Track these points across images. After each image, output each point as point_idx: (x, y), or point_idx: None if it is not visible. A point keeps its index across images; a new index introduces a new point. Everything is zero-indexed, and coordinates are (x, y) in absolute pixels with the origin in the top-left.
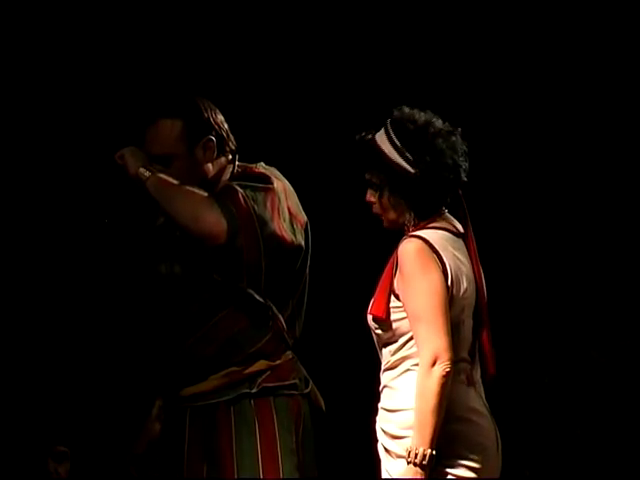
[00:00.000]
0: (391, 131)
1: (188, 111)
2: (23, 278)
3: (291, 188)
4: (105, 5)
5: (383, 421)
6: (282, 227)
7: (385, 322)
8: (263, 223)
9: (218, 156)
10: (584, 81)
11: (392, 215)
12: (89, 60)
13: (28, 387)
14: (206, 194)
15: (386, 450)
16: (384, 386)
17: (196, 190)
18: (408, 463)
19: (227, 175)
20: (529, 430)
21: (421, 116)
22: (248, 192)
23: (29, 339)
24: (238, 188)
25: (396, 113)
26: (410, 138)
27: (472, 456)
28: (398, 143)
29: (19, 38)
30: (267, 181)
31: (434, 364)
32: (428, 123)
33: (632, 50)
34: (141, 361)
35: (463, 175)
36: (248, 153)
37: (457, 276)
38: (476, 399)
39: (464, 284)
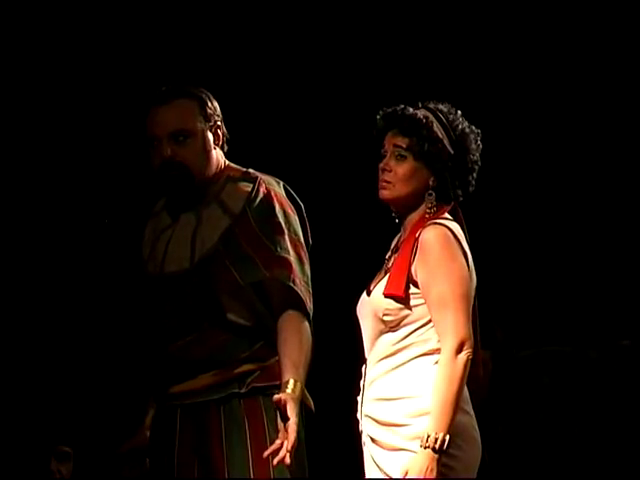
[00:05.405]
0: (439, 113)
1: (200, 95)
2: (26, 280)
3: None
4: (106, 4)
5: (377, 411)
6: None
7: (401, 304)
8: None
9: (221, 146)
10: (576, 81)
11: (405, 187)
12: (87, 60)
13: (30, 387)
14: (303, 337)
15: (374, 440)
16: (377, 376)
17: (297, 343)
18: (426, 448)
19: (222, 164)
20: (528, 430)
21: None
22: (298, 239)
23: (32, 338)
24: (292, 260)
25: (430, 104)
26: (455, 124)
27: (467, 448)
28: (447, 124)
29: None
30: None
31: (460, 351)
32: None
33: (632, 50)
34: (138, 361)
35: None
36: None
37: (471, 266)
38: (467, 391)
39: (474, 275)
